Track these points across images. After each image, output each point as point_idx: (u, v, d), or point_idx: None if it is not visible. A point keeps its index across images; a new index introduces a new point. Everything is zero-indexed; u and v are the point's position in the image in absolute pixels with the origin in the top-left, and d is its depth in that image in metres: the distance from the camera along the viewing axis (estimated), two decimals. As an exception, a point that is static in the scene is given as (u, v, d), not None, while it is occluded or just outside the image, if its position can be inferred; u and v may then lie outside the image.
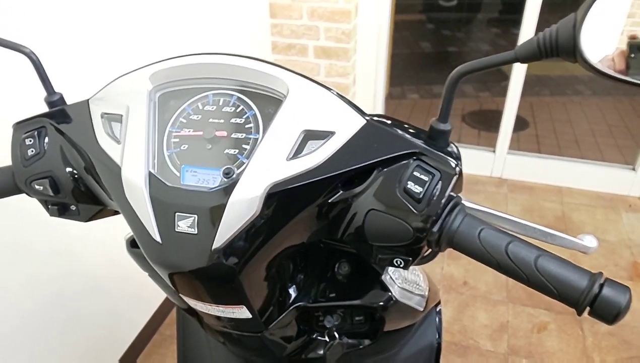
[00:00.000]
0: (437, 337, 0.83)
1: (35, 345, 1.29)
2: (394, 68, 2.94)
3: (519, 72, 2.39)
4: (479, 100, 3.38)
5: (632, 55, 0.39)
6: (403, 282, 0.63)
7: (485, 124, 3.08)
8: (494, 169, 2.69)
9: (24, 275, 1.23)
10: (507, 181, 2.67)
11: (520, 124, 2.94)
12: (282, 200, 0.44)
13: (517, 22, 2.32)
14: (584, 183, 2.60)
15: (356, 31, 2.39)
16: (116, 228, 1.44)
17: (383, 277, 0.60)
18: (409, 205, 0.44)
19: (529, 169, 2.65)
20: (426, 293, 0.70)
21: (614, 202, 2.51)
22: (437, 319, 0.83)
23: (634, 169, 2.52)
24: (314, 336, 0.64)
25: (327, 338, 0.63)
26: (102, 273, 1.50)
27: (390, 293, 0.60)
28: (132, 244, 0.64)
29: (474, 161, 2.70)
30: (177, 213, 0.45)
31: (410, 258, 0.47)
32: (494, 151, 2.65)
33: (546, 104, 3.35)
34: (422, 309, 0.68)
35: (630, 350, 1.75)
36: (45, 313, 1.31)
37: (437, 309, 0.83)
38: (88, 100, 0.55)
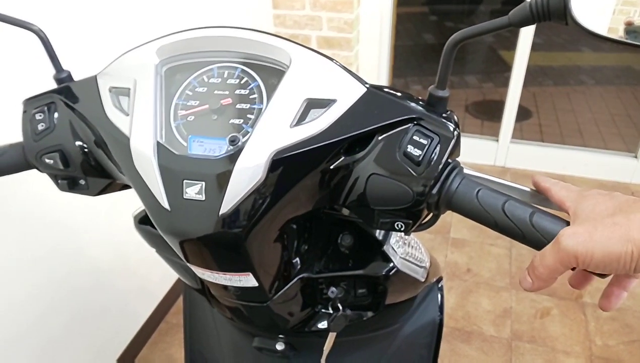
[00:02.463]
0: (439, 313, 0.84)
1: (41, 339, 1.31)
2: (397, 60, 2.93)
3: (521, 62, 2.39)
4: (482, 90, 3.37)
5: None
6: (404, 253, 0.65)
7: (488, 114, 3.07)
8: (497, 158, 2.70)
9: (29, 271, 1.24)
10: (510, 170, 2.68)
11: (524, 113, 2.94)
12: (286, 166, 0.45)
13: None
14: (587, 171, 2.60)
15: (359, 21, 2.39)
16: (120, 220, 1.46)
17: (385, 247, 0.61)
18: (408, 168, 0.45)
19: (532, 158, 2.66)
20: (427, 265, 0.72)
21: (616, 189, 2.48)
22: (439, 295, 0.84)
23: (636, 157, 2.52)
24: (318, 309, 0.66)
25: (330, 310, 0.64)
26: (106, 266, 1.51)
27: (392, 263, 0.61)
28: (140, 222, 0.66)
29: (478, 150, 2.70)
30: (185, 181, 0.46)
31: (411, 222, 0.48)
32: (497, 140, 2.66)
33: (549, 94, 3.34)
34: (423, 280, 0.70)
35: (631, 333, 1.76)
36: (50, 307, 1.32)
37: (439, 285, 0.84)
38: (95, 76, 0.56)
